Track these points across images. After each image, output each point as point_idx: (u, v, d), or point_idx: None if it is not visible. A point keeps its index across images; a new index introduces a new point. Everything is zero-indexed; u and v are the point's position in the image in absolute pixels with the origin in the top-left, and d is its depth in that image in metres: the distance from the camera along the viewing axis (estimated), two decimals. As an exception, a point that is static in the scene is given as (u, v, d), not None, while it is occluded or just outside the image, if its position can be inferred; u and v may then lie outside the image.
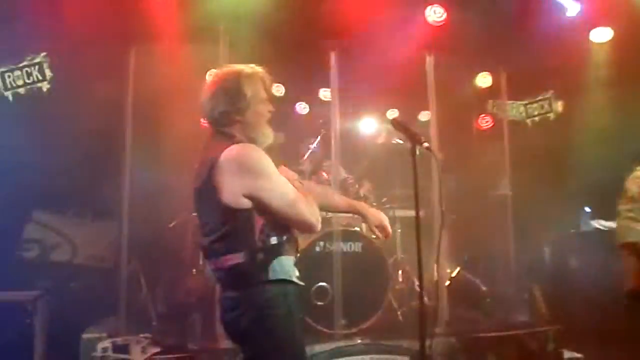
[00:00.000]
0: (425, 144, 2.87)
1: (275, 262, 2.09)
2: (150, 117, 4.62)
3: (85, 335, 3.77)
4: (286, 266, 2.13)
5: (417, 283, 4.66)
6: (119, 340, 3.63)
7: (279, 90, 6.16)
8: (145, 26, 4.53)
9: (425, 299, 4.24)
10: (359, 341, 3.92)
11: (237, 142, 2.12)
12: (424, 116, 5.94)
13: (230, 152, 2.06)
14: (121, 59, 4.45)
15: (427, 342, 2.77)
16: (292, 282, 2.14)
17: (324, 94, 6.03)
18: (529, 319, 4.64)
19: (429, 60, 4.69)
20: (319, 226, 2.13)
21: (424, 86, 4.75)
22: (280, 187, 2.07)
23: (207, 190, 2.07)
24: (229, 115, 2.16)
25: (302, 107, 6.31)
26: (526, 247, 4.96)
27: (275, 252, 2.10)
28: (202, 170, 2.13)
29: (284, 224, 2.13)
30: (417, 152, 2.76)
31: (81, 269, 4.82)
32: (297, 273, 2.17)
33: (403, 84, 5.13)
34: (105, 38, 4.52)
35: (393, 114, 6.00)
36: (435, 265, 4.23)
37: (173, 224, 4.72)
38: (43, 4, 4.38)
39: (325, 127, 4.67)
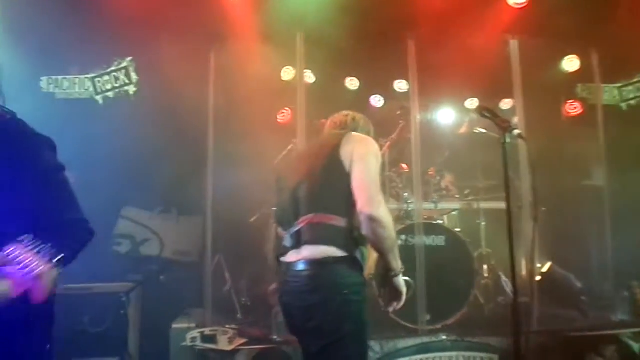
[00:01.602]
0: (517, 131, 2.73)
1: (363, 247, 2.18)
2: (231, 115, 4.73)
3: (174, 326, 3.90)
4: (366, 259, 2.22)
5: (503, 278, 4.50)
6: (207, 330, 3.72)
7: (353, 84, 6.13)
8: (225, 27, 4.65)
9: (514, 295, 4.13)
10: (444, 337, 3.79)
11: None
12: (506, 104, 5.69)
13: (358, 134, 2.37)
14: (202, 59, 4.58)
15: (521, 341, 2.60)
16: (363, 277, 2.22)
17: (399, 85, 5.92)
18: (629, 318, 4.29)
19: (513, 44, 4.46)
20: (374, 212, 2.08)
21: (506, 73, 4.53)
22: (373, 166, 2.19)
23: (329, 153, 2.24)
24: (354, 130, 2.47)
25: (377, 100, 6.23)
26: (625, 241, 4.58)
27: (363, 241, 2.17)
28: (328, 143, 2.33)
29: None
30: (507, 141, 2.62)
31: (169, 262, 5.02)
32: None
33: (484, 72, 4.92)
34: (186, 40, 4.68)
35: (473, 103, 5.78)
36: (526, 261, 4.08)
37: (254, 218, 4.80)
38: (127, 10, 4.59)
39: (404, 118, 4.56)
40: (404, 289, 2.30)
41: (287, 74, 5.49)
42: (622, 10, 5.05)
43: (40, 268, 1.55)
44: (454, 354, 3.69)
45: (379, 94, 6.26)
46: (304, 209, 2.20)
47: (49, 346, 1.83)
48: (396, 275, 2.26)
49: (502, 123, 2.65)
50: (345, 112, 2.60)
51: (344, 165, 2.16)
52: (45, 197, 1.76)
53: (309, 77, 5.90)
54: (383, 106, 6.07)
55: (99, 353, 3.87)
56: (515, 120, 4.38)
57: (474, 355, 3.74)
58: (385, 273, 2.29)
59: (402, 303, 2.33)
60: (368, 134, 2.49)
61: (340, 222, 2.12)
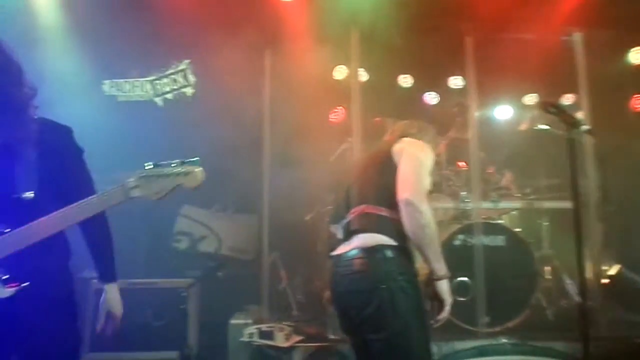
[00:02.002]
0: (585, 127, 2.63)
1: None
2: (285, 115, 4.78)
3: (232, 321, 3.98)
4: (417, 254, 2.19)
5: (567, 280, 4.32)
6: (264, 327, 3.78)
7: (406, 81, 6.06)
8: (279, 27, 4.71)
9: (579, 298, 3.96)
10: (505, 341, 3.68)
11: None
12: (567, 100, 5.47)
13: (415, 139, 2.38)
14: (257, 60, 4.66)
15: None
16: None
17: (454, 82, 5.80)
18: None
19: (576, 37, 4.28)
20: (412, 205, 2.05)
21: (568, 67, 4.36)
22: (422, 164, 2.19)
23: (385, 149, 2.31)
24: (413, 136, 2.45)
25: (431, 97, 6.13)
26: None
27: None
28: (386, 141, 2.42)
29: None
30: (574, 137, 2.52)
31: (226, 259, 5.13)
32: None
33: (544, 66, 4.75)
34: (241, 41, 4.76)
35: (532, 99, 5.59)
36: (592, 263, 3.91)
37: (309, 217, 4.83)
38: (184, 13, 4.72)
39: (461, 115, 4.47)
40: (447, 297, 2.15)
41: (340, 72, 5.49)
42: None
43: None
44: (515, 357, 3.58)
45: (433, 91, 6.16)
46: (355, 203, 2.23)
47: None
48: (438, 279, 2.13)
49: (568, 119, 2.56)
50: (409, 122, 2.59)
51: (394, 161, 2.20)
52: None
53: (362, 75, 5.88)
54: (437, 103, 5.96)
55: (161, 346, 4.00)
56: (579, 115, 4.20)
57: (536, 360, 3.61)
58: (428, 279, 2.18)
59: (446, 314, 2.18)
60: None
61: (390, 213, 2.12)
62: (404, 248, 2.13)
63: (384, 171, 2.20)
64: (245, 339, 3.78)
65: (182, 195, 5.39)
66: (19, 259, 1.88)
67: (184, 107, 5.17)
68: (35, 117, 2.06)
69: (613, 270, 4.44)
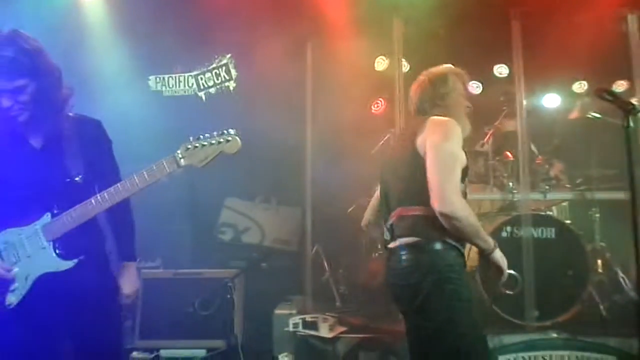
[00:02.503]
0: (642, 114, 2.51)
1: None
2: (328, 107, 4.78)
3: (277, 311, 4.03)
4: (463, 242, 2.20)
5: (620, 274, 4.16)
6: (308, 317, 3.81)
7: (450, 70, 5.93)
8: (321, 20, 4.70)
9: (635, 293, 3.81)
10: (555, 335, 3.57)
11: None
12: (619, 87, 5.24)
13: (437, 118, 2.28)
14: (298, 53, 4.66)
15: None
16: (463, 253, 2.22)
17: (499, 70, 5.65)
18: None
19: (631, 19, 4.08)
20: (447, 206, 2.05)
21: (621, 52, 4.16)
22: (448, 154, 2.14)
23: (408, 144, 2.26)
24: (433, 100, 2.38)
25: (475, 87, 5.98)
26: None
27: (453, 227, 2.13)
28: (407, 132, 2.38)
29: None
30: (631, 125, 2.42)
31: (269, 251, 5.20)
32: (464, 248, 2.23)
33: (595, 51, 4.56)
34: (282, 35, 4.78)
35: (582, 86, 5.38)
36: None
37: (351, 209, 4.82)
38: (225, 9, 4.77)
39: (507, 104, 4.35)
40: (503, 263, 2.23)
41: (381, 64, 5.43)
42: None
43: None
44: (566, 352, 3.47)
45: (477, 80, 6.00)
46: (393, 203, 2.30)
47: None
48: (490, 253, 2.20)
49: (624, 105, 2.45)
50: (423, 75, 2.48)
51: (420, 155, 2.19)
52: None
53: (404, 65, 5.81)
54: (482, 92, 5.82)
55: (207, 334, 4.11)
56: (635, 102, 4.01)
57: (588, 356, 3.49)
58: (482, 258, 2.27)
59: (505, 277, 2.27)
60: (453, 94, 2.39)
61: (425, 211, 2.14)
62: (445, 241, 2.17)
63: (412, 168, 2.21)
64: (290, 329, 3.83)
65: (226, 188, 5.49)
66: (69, 239, 2.15)
67: (227, 101, 5.25)
68: (71, 113, 2.32)
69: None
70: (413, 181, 2.19)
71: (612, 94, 2.52)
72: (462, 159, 2.19)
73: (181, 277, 4.33)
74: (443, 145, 2.16)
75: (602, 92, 2.54)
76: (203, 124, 4.96)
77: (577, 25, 4.41)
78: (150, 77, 5.41)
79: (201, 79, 5.47)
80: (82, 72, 4.17)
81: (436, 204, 2.08)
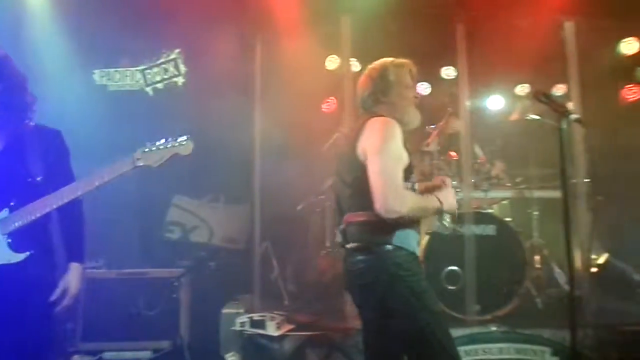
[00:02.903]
0: (574, 116, 2.64)
1: (400, 231, 2.19)
2: (277, 105, 4.76)
3: (224, 310, 3.99)
4: (411, 239, 2.23)
5: (556, 269, 4.36)
6: (256, 316, 3.79)
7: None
8: (270, 16, 4.67)
9: (566, 286, 4.01)
10: (494, 328, 3.71)
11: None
12: (558, 90, 5.47)
13: (377, 118, 2.29)
14: (248, 49, 4.62)
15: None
16: (415, 255, 2.25)
17: (447, 72, 5.79)
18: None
19: (568, 26, 4.27)
20: (389, 213, 2.10)
21: (560, 57, 4.36)
22: (387, 157, 2.16)
23: (351, 146, 2.28)
24: (375, 96, 2.38)
25: (423, 88, 6.11)
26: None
27: (402, 223, 2.16)
28: (350, 136, 2.37)
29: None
30: (564, 127, 2.53)
31: (217, 249, 5.13)
32: (418, 251, 2.28)
33: (536, 56, 4.75)
34: (232, 31, 4.73)
35: (524, 89, 5.60)
36: (581, 252, 3.94)
37: (301, 206, 4.83)
38: (174, 2, 4.68)
39: (452, 105, 4.47)
40: (450, 204, 2.30)
41: (332, 62, 5.46)
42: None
43: None
44: (504, 345, 3.61)
45: (426, 81, 6.13)
46: (343, 207, 2.35)
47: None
48: (444, 208, 2.27)
49: (559, 108, 2.56)
50: (369, 70, 2.45)
51: (361, 161, 2.22)
52: None
53: (355, 65, 5.86)
54: (430, 93, 5.96)
55: (153, 335, 4.02)
56: (570, 105, 4.21)
57: (525, 348, 3.64)
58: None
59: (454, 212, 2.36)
60: (395, 88, 2.37)
61: (371, 216, 2.16)
62: (392, 243, 2.20)
63: (355, 174, 2.24)
64: (236, 328, 3.80)
65: (174, 186, 5.40)
66: (22, 233, 2.28)
67: (175, 96, 5.14)
68: (32, 123, 2.45)
69: (601, 259, 4.48)
70: (357, 187, 2.22)
71: (548, 97, 2.63)
72: (403, 158, 2.22)
73: (125, 277, 4.21)
74: (381, 151, 2.18)
75: (538, 95, 2.64)
76: (150, 119, 4.91)
77: (520, 31, 4.59)
78: (95, 71, 5.24)
79: (148, 73, 5.29)
80: (21, 64, 3.99)
81: (381, 212, 2.11)
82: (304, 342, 3.68)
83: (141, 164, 2.30)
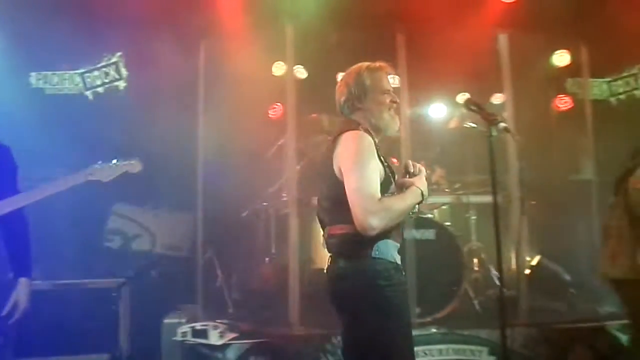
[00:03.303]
0: (503, 125, 2.74)
1: (381, 242, 2.17)
2: (221, 110, 4.72)
3: (166, 321, 3.91)
4: (391, 249, 2.21)
5: (493, 271, 4.53)
6: (198, 325, 3.73)
7: (344, 78, 6.12)
8: (215, 21, 4.64)
9: (504, 288, 4.16)
10: (434, 330, 3.82)
11: (361, 129, 2.25)
12: (497, 99, 5.70)
13: (349, 133, 2.24)
14: (192, 54, 4.56)
15: (507, 333, 2.62)
16: (396, 264, 2.23)
17: (390, 81, 5.92)
18: (617, 310, 4.34)
19: (502, 38, 4.46)
20: (369, 231, 2.08)
21: (497, 67, 4.54)
22: (360, 171, 2.13)
23: (326, 162, 2.28)
24: (351, 103, 2.34)
25: (368, 95, 6.22)
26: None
27: (382, 234, 2.14)
28: (325, 152, 2.35)
29: None
30: (494, 134, 2.64)
31: (160, 258, 5.02)
32: (399, 259, 2.26)
33: (474, 66, 4.93)
34: (175, 35, 4.66)
35: (464, 97, 5.79)
36: (514, 254, 4.11)
37: (245, 213, 4.80)
38: (116, 5, 4.57)
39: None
40: (422, 189, 2.25)
41: (278, 69, 5.47)
42: (611, 4, 5.08)
43: None
44: (443, 346, 3.72)
45: (370, 89, 6.23)
46: (324, 219, 2.35)
47: None
48: (423, 194, 2.23)
49: (488, 116, 2.67)
50: (345, 75, 2.41)
51: (337, 177, 2.21)
52: None
53: (301, 72, 5.89)
54: (374, 101, 6.07)
55: (90, 349, 3.88)
56: (505, 114, 4.39)
57: (463, 348, 3.77)
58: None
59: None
60: (370, 94, 2.34)
61: (350, 229, 2.15)
62: (374, 258, 2.19)
63: (333, 189, 2.23)
64: (178, 338, 3.73)
65: (114, 193, 5.24)
66: None
67: (116, 101, 5.02)
68: None
69: (534, 260, 4.69)
70: (336, 201, 2.22)
71: (478, 105, 2.74)
72: (379, 171, 2.18)
73: (61, 288, 4.04)
74: (355, 168, 2.15)
75: (469, 104, 2.75)
76: (89, 123, 4.75)
77: (458, 42, 4.75)
78: (32, 74, 5.05)
79: (88, 77, 5.20)
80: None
81: (360, 229, 2.10)
82: (247, 350, 3.65)
83: (92, 178, 2.56)
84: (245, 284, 4.63)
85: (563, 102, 5.80)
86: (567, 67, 5.59)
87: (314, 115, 4.87)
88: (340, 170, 2.20)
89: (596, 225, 4.50)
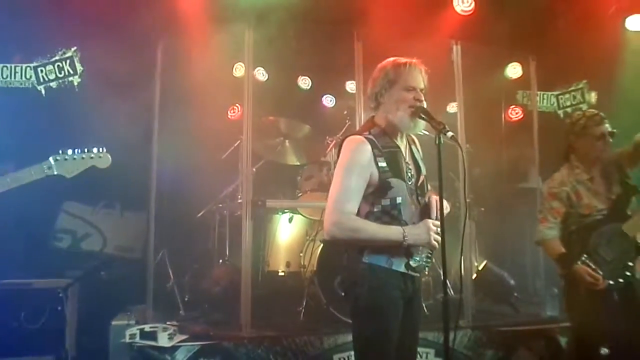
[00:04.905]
0: (450, 133, 2.82)
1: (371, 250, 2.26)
2: (178, 110, 4.68)
3: (114, 322, 3.83)
4: (387, 254, 2.27)
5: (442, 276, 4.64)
6: (147, 327, 3.68)
7: (305, 83, 6.19)
8: (173, 19, 4.59)
9: (451, 291, 4.28)
10: (383, 333, 3.88)
11: (374, 128, 2.30)
12: (452, 108, 5.85)
13: (348, 139, 2.30)
14: (149, 52, 4.50)
15: (452, 335, 2.70)
16: (390, 270, 2.27)
17: (350, 86, 6.01)
18: (559, 314, 4.53)
19: (456, 49, 4.60)
20: (330, 238, 2.20)
21: (453, 77, 4.67)
22: (340, 182, 2.21)
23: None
24: (375, 97, 2.39)
25: (328, 100, 6.30)
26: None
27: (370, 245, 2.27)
28: (337, 152, 2.44)
29: (391, 217, 2.25)
30: (442, 142, 2.72)
31: (111, 258, 4.93)
32: (398, 265, 2.28)
33: (431, 75, 5.04)
34: (133, 31, 4.59)
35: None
36: (461, 258, 4.21)
37: (201, 214, 4.77)
38: (73, -1, 4.48)
39: (350, 118, 4.64)
40: (422, 239, 2.31)
41: (239, 70, 5.46)
42: (560, 20, 5.31)
43: None
44: (391, 348, 3.79)
45: (331, 94, 6.33)
46: None
47: None
48: (405, 242, 2.22)
49: (437, 125, 2.74)
50: (376, 69, 2.45)
51: None
52: None
53: (261, 74, 5.91)
54: (334, 106, 6.16)
55: (35, 350, 3.80)
56: (457, 123, 4.52)
57: (411, 350, 3.84)
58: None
59: (434, 246, 2.40)
60: (390, 90, 2.37)
61: None
62: (366, 261, 2.27)
63: None
64: (126, 340, 3.66)
65: (64, 190, 5.11)
66: None
67: (70, 97, 4.88)
68: None
69: (481, 265, 4.85)
70: None
71: (427, 114, 2.82)
72: (360, 183, 2.21)
73: (6, 288, 3.93)
74: (337, 175, 2.25)
75: (418, 112, 2.83)
76: (41, 119, 4.62)
77: (416, 50, 4.83)
78: (-19, 66, 4.86)
79: (41, 71, 5.03)
80: None
81: (326, 230, 2.21)
82: (197, 352, 3.62)
83: (53, 172, 2.28)
84: (198, 285, 4.59)
85: (515, 113, 6.01)
86: (519, 79, 5.79)
87: (270, 117, 4.89)
88: None
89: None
